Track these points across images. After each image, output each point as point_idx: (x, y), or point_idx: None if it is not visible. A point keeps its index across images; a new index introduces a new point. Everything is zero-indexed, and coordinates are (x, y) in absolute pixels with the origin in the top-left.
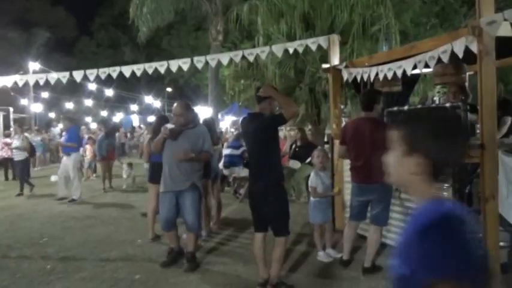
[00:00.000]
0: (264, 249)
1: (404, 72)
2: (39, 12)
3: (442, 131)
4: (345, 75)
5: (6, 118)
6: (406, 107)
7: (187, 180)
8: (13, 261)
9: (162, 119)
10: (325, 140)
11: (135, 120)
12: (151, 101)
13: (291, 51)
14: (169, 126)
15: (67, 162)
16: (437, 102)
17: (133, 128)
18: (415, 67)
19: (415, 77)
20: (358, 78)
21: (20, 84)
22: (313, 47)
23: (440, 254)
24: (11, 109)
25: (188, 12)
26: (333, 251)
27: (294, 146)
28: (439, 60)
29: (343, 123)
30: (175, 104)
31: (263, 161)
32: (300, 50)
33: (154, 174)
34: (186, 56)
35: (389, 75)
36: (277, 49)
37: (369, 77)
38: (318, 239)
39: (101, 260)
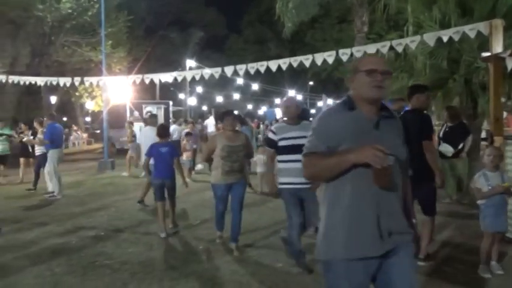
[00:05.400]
0: None
1: None
2: (195, 13)
3: None
4: (510, 65)
5: (166, 111)
6: None
7: (408, 224)
8: (171, 240)
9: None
10: (483, 136)
11: (278, 113)
12: (294, 94)
13: (445, 39)
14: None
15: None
16: None
17: (277, 120)
18: None
19: None
20: None
21: (179, 79)
22: (472, 34)
23: None
24: (171, 102)
25: (332, 5)
26: (497, 265)
27: (444, 127)
28: None
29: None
30: (368, 57)
31: (418, 151)
32: (456, 37)
33: None
34: (330, 49)
35: None
36: (429, 38)
37: None
38: (483, 250)
39: (245, 246)
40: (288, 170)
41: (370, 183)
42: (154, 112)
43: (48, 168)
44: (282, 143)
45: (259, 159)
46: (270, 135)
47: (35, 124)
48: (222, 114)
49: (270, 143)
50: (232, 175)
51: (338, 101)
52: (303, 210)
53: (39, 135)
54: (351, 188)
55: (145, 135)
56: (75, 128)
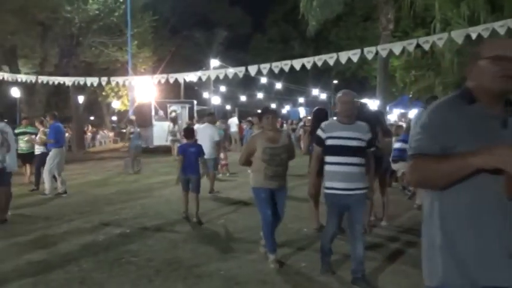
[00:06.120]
0: None
1: None
2: (219, 13)
3: None
4: None
5: (190, 110)
6: None
7: None
8: (195, 238)
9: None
10: None
11: (302, 112)
12: (318, 93)
13: (473, 36)
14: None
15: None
16: None
17: (300, 119)
18: None
19: None
20: None
21: (204, 79)
22: (501, 31)
23: None
24: (195, 102)
25: (357, 3)
26: None
27: None
28: None
29: None
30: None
31: None
32: (485, 34)
33: None
34: (354, 47)
35: None
36: (458, 35)
37: None
38: None
39: None
40: (334, 173)
41: (499, 193)
42: (179, 111)
43: (46, 167)
44: (328, 142)
45: None
46: (319, 132)
47: (36, 123)
48: (261, 112)
49: (318, 141)
50: (275, 180)
51: (452, 94)
52: (350, 217)
53: (41, 135)
54: (472, 199)
55: (203, 133)
56: (90, 128)
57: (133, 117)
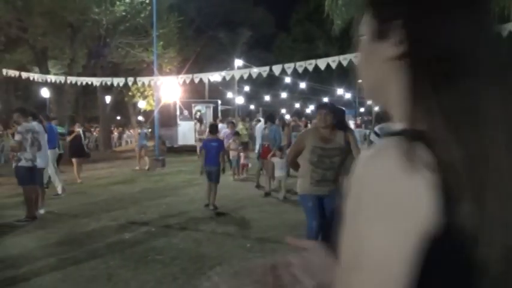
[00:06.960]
0: None
1: None
2: (243, 13)
3: None
4: None
5: (215, 110)
6: None
7: None
8: (219, 237)
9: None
10: None
11: None
12: (343, 92)
13: (503, 34)
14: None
15: None
16: None
17: None
18: None
19: None
20: None
21: (228, 78)
22: None
23: None
24: (219, 101)
25: None
26: None
27: None
28: None
29: None
30: None
31: None
32: None
33: None
34: None
35: None
36: None
37: None
38: None
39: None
40: None
41: None
42: (204, 111)
43: (49, 170)
44: None
45: (277, 162)
46: (372, 137)
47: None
48: (316, 108)
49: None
50: (324, 185)
51: None
52: None
53: None
54: None
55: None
56: (96, 128)
57: (141, 118)
